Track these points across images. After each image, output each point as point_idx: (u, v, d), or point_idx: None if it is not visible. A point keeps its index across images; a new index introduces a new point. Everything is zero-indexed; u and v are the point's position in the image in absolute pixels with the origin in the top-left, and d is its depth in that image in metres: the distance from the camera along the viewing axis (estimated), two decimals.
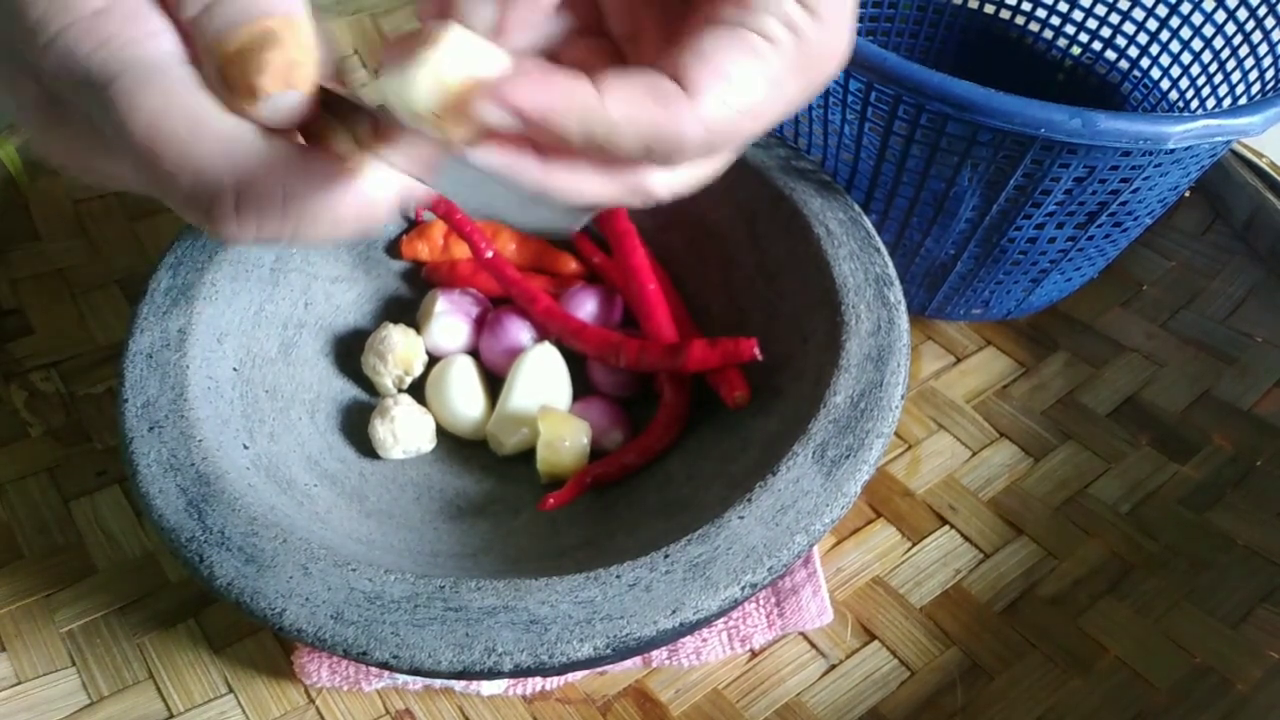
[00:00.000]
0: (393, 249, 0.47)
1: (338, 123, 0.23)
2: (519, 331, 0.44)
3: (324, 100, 0.23)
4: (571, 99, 0.23)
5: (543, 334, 0.44)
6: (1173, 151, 0.38)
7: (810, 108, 0.44)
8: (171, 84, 0.22)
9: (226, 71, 0.22)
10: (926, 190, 0.42)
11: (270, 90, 0.22)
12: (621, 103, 0.23)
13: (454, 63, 0.23)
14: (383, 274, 0.47)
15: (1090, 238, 0.43)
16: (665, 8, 0.27)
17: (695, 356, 0.40)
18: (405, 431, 0.41)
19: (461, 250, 0.46)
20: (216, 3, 0.22)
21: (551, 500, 0.39)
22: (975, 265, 0.45)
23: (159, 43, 0.22)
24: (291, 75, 0.22)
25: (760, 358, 0.39)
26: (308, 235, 0.23)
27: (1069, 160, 0.38)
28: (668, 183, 0.26)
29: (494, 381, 0.44)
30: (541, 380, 0.42)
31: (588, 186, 0.25)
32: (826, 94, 0.42)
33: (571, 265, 0.47)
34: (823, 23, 0.26)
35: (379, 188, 0.24)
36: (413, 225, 0.47)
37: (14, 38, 0.23)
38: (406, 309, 0.46)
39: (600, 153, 0.24)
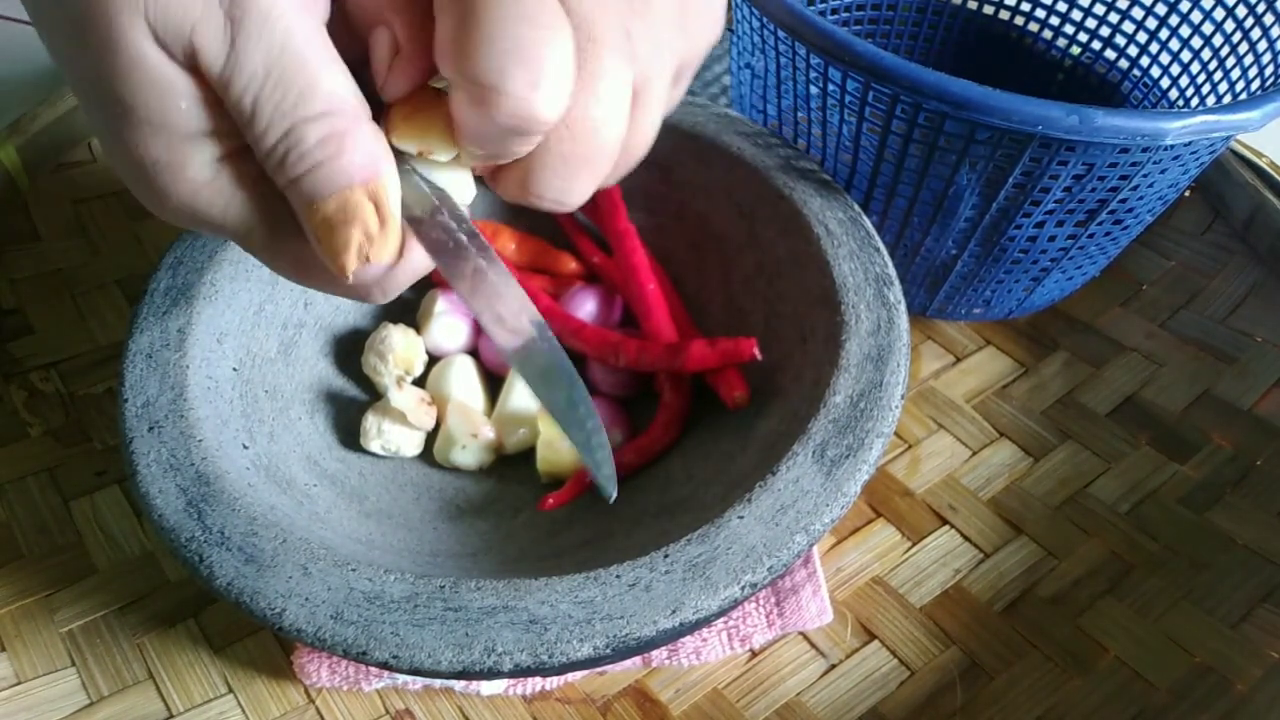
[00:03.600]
0: None
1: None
2: None
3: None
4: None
5: None
6: (1171, 148, 0.38)
7: (809, 108, 0.44)
8: (299, 247, 0.26)
9: (319, 237, 0.25)
10: (925, 189, 0.42)
11: (351, 269, 0.25)
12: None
13: None
14: None
15: (1091, 236, 0.43)
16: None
17: (695, 356, 0.40)
18: (392, 434, 0.41)
19: None
20: (298, 179, 0.25)
21: (551, 500, 0.39)
22: (976, 264, 0.45)
23: (248, 196, 0.26)
24: (370, 250, 0.25)
25: (760, 358, 0.39)
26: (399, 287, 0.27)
27: (1067, 158, 0.38)
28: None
29: (494, 381, 0.44)
30: None
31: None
32: (824, 96, 0.42)
33: (571, 265, 0.47)
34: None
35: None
36: None
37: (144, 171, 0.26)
38: (406, 309, 0.46)
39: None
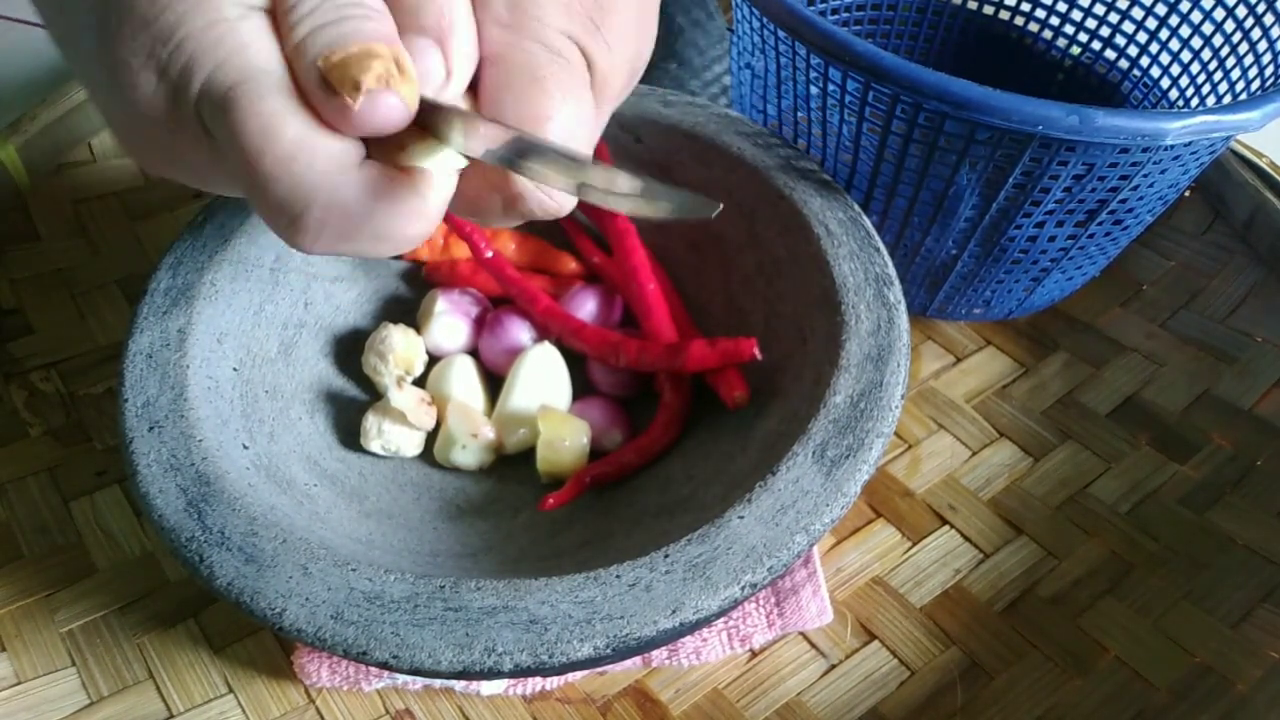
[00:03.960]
0: None
1: (416, 136, 0.25)
2: (519, 331, 0.44)
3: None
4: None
5: (542, 334, 0.44)
6: (1171, 148, 0.38)
7: (809, 108, 0.44)
8: (284, 98, 0.24)
9: (329, 75, 0.24)
10: (926, 189, 0.42)
11: (371, 86, 0.23)
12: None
13: None
14: (382, 274, 0.47)
15: (1091, 236, 0.43)
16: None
17: (695, 356, 0.40)
18: (392, 434, 0.41)
19: (461, 250, 0.46)
20: (326, 25, 0.24)
21: (551, 500, 0.39)
22: (976, 264, 0.45)
23: (273, 58, 0.24)
24: (391, 82, 0.24)
25: (760, 358, 0.39)
26: (372, 251, 0.26)
27: (1067, 158, 0.38)
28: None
29: (494, 381, 0.44)
30: (541, 380, 0.42)
31: None
32: (824, 94, 0.42)
33: (571, 265, 0.47)
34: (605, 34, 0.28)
35: (440, 203, 0.26)
36: None
37: (139, 39, 0.24)
38: (406, 309, 0.46)
39: None
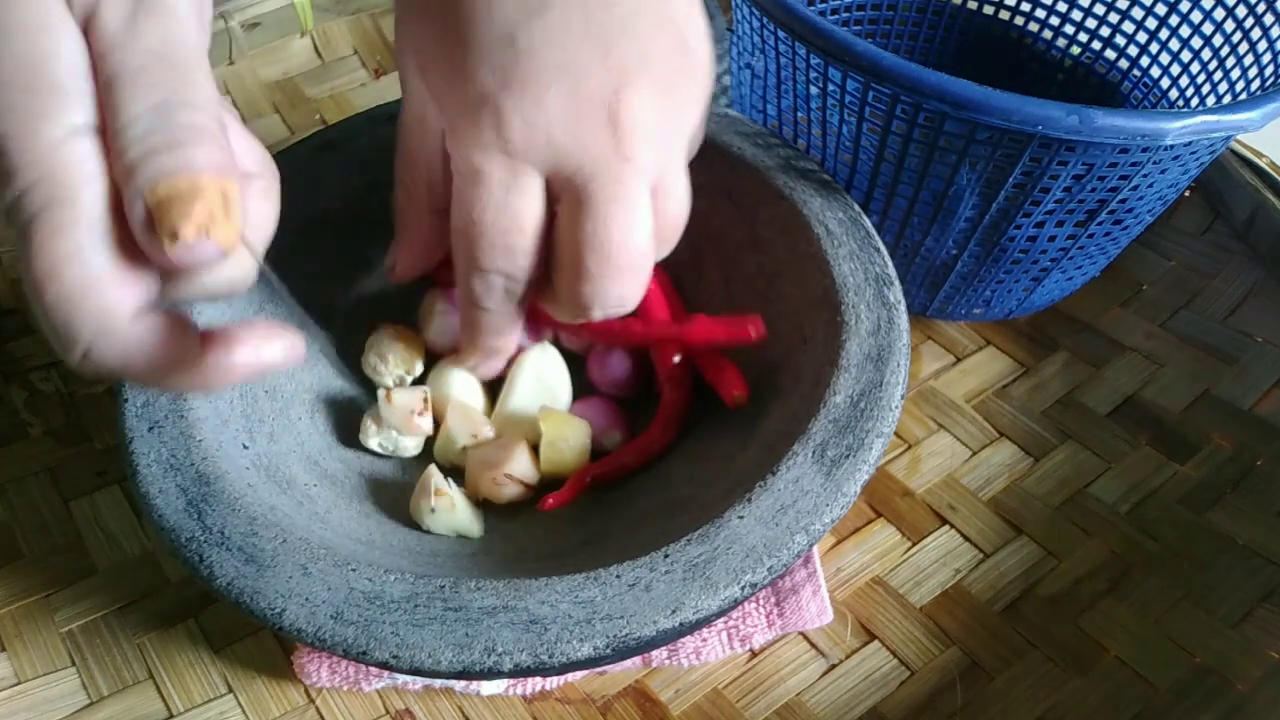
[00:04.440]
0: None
1: None
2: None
3: None
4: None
5: (542, 331, 0.44)
6: (1171, 148, 0.38)
7: (809, 108, 0.44)
8: (80, 241, 0.25)
9: (152, 213, 0.25)
10: (926, 189, 0.42)
11: (188, 238, 0.24)
12: None
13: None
14: (383, 274, 0.47)
15: (1091, 236, 0.43)
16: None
17: (700, 330, 0.40)
18: (392, 433, 0.41)
19: None
20: (156, 151, 0.25)
21: (551, 500, 0.39)
22: (976, 264, 0.45)
23: (93, 188, 0.25)
24: (211, 227, 0.25)
25: (764, 336, 0.39)
26: (142, 383, 0.29)
27: (1067, 157, 0.38)
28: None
29: (494, 381, 0.44)
30: (541, 380, 0.42)
31: None
32: (824, 96, 0.42)
33: None
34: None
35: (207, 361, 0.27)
36: None
37: None
38: (407, 309, 0.46)
39: None
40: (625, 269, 0.32)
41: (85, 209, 0.25)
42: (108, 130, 0.25)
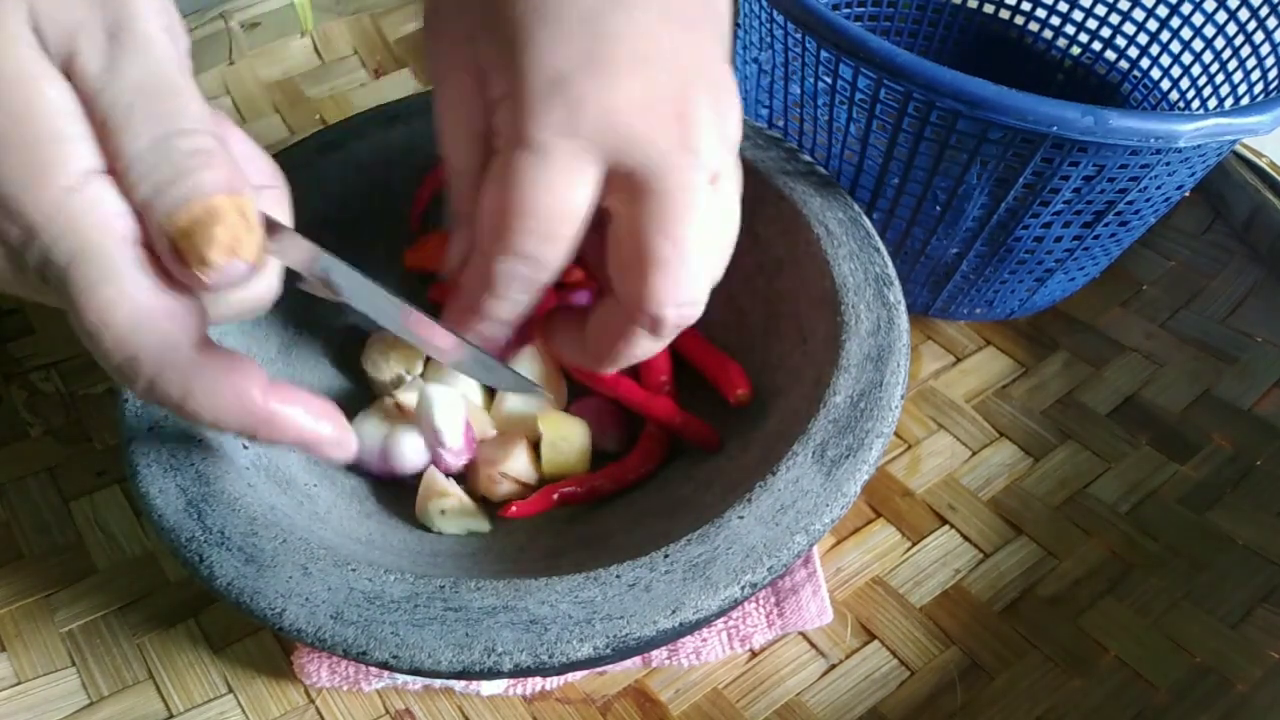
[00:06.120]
0: (394, 259, 0.47)
1: None
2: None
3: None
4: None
5: (527, 340, 0.43)
6: (1181, 150, 0.38)
7: (815, 106, 0.44)
8: (121, 286, 0.26)
9: (178, 245, 0.25)
10: (934, 189, 0.42)
11: (218, 262, 0.25)
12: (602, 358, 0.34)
13: None
14: (383, 274, 0.47)
15: (1096, 237, 0.43)
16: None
17: (662, 411, 0.41)
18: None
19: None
20: (165, 185, 0.25)
21: (515, 508, 0.39)
22: (981, 264, 0.45)
23: (117, 226, 0.25)
24: (237, 247, 0.25)
25: (748, 399, 0.40)
26: (196, 419, 0.28)
27: (1079, 158, 0.38)
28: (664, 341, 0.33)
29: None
30: (539, 380, 0.42)
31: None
32: (832, 92, 0.42)
33: (576, 274, 0.46)
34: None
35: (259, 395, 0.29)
36: (414, 238, 0.47)
37: None
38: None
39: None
40: (696, 255, 0.31)
41: (116, 251, 0.25)
42: (114, 171, 0.26)
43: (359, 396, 0.44)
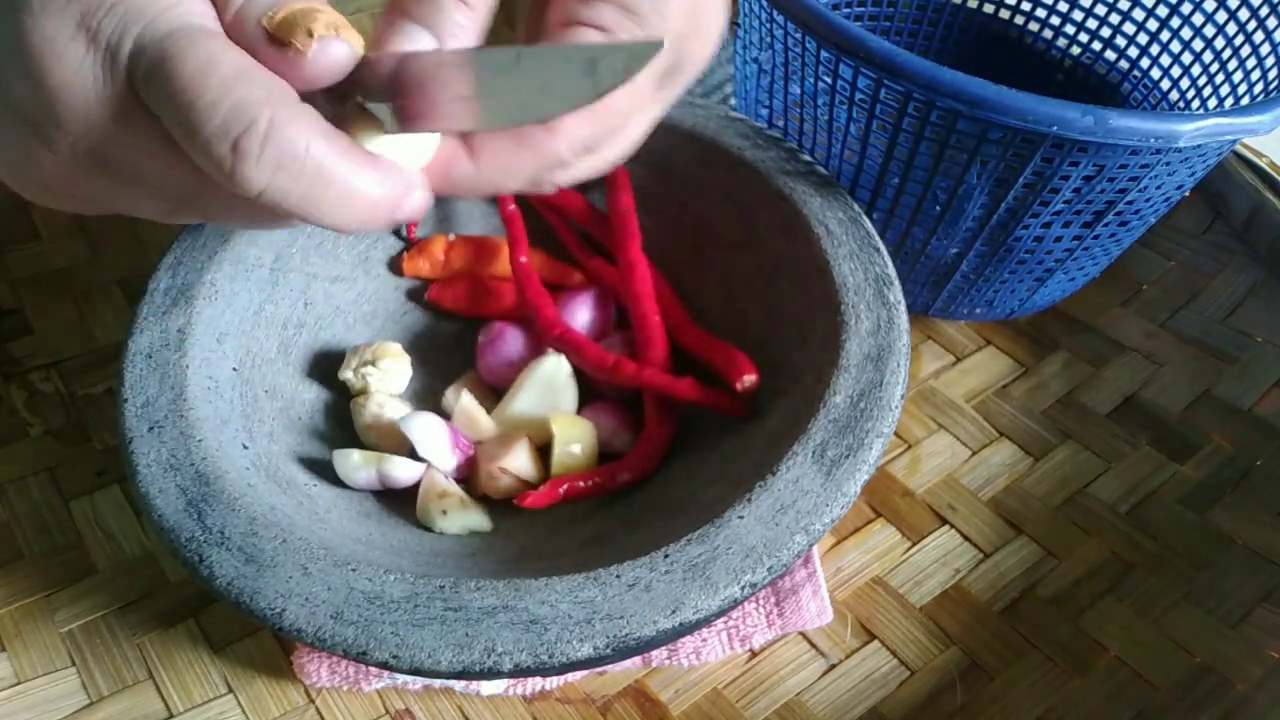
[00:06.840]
0: (393, 265, 0.47)
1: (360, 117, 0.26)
2: (517, 344, 0.43)
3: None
4: (464, 179, 0.27)
5: (541, 347, 0.43)
6: (1181, 150, 0.38)
7: (815, 106, 0.44)
8: (221, 41, 0.24)
9: (277, 32, 0.24)
10: (934, 189, 0.42)
11: (324, 33, 0.24)
12: (496, 169, 0.27)
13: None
14: (382, 275, 0.47)
15: (1096, 237, 0.43)
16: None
17: (684, 391, 0.40)
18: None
19: (463, 264, 0.46)
20: None
21: (530, 499, 0.38)
22: (981, 264, 0.45)
23: (208, 17, 0.25)
24: (341, 29, 0.24)
25: (755, 385, 0.39)
26: (317, 201, 0.24)
27: (1079, 158, 0.38)
28: (572, 175, 0.29)
29: (495, 394, 0.44)
30: (548, 388, 0.42)
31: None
32: (832, 92, 0.42)
33: (576, 278, 0.47)
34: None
35: (391, 180, 0.25)
36: (410, 244, 0.47)
37: (69, 10, 0.24)
38: (405, 310, 0.46)
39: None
40: None
41: (216, 29, 0.24)
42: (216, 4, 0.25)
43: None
